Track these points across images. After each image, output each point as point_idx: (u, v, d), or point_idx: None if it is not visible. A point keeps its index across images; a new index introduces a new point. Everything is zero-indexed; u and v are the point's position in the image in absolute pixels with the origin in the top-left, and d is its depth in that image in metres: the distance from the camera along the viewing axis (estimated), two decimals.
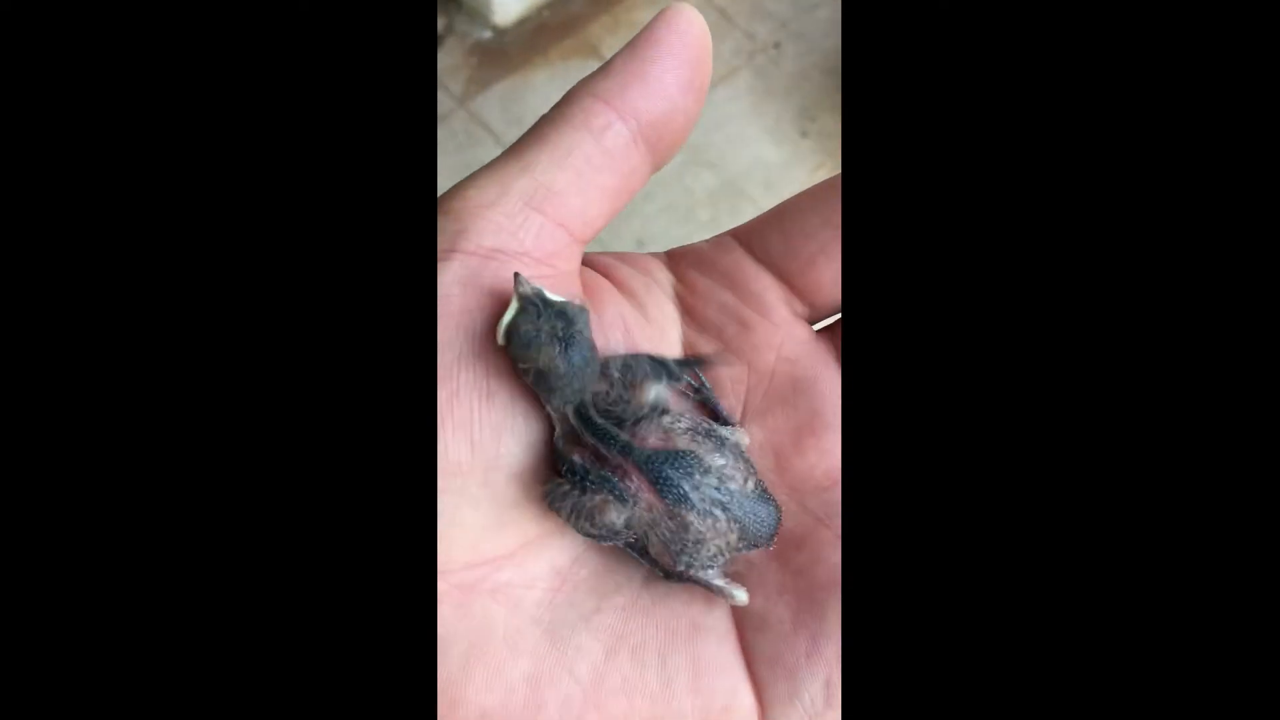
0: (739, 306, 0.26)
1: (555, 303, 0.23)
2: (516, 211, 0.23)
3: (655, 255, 0.27)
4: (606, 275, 0.26)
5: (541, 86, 1.23)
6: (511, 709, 0.22)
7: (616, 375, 0.24)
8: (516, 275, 0.22)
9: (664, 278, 0.26)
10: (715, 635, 0.24)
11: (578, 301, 0.23)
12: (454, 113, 1.23)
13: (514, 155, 0.24)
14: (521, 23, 1.28)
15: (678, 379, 0.24)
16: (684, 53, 0.23)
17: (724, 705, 0.23)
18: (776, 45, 1.28)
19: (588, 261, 0.26)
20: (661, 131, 0.24)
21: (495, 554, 0.23)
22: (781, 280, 0.26)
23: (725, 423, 0.25)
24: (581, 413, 0.23)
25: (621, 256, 0.27)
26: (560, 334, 0.22)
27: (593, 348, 0.23)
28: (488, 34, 1.27)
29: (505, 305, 0.23)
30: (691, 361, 0.25)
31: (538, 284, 0.22)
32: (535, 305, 0.22)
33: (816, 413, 0.25)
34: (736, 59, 1.26)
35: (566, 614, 0.23)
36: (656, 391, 0.24)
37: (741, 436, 0.25)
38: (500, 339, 0.22)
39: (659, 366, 0.24)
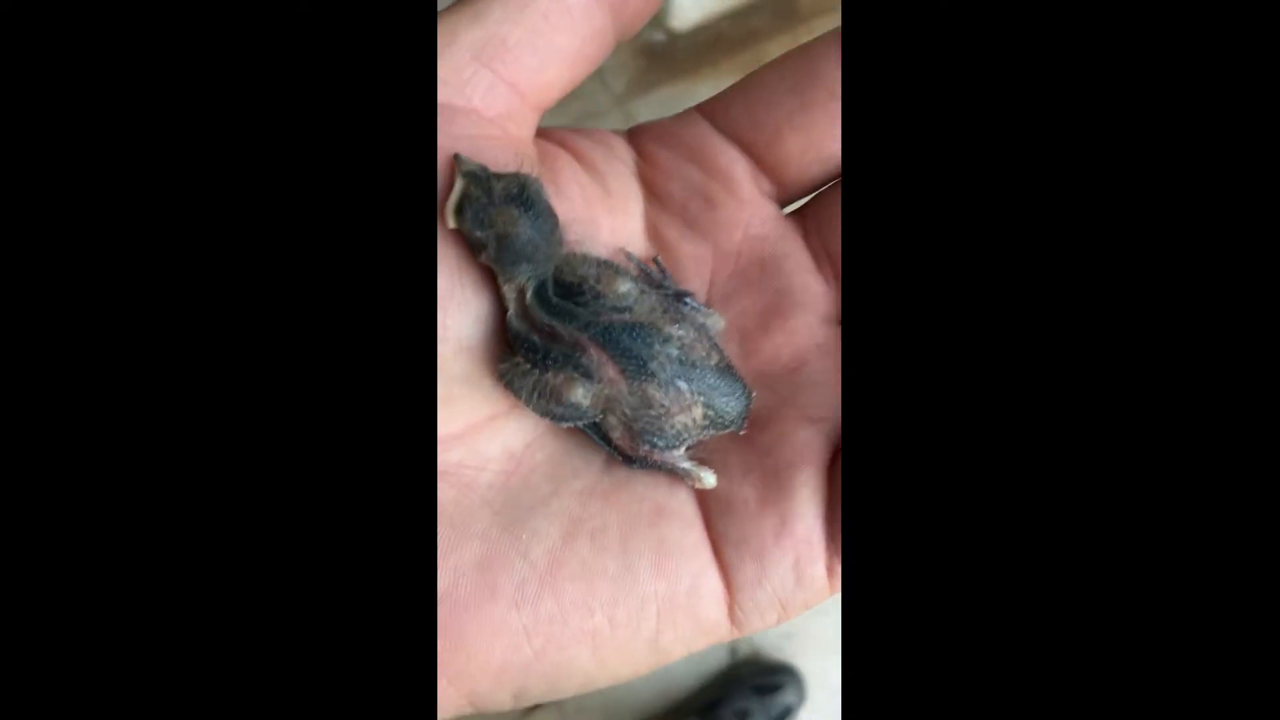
0: (705, 182, 0.24)
1: (504, 175, 0.21)
2: (464, 64, 0.22)
3: (616, 131, 0.25)
4: (564, 146, 0.24)
5: (705, 96, 1.21)
6: (460, 593, 0.21)
7: (593, 269, 0.22)
8: (457, 155, 0.21)
9: (625, 153, 0.25)
10: (680, 519, 0.22)
11: (528, 170, 0.22)
12: (609, 112, 1.22)
13: (465, 3, 0.22)
14: (697, 30, 1.27)
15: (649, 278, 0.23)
16: None
17: (689, 588, 0.21)
18: None
19: (542, 134, 0.24)
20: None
21: (443, 433, 0.22)
22: (748, 155, 0.24)
23: (696, 308, 0.23)
24: (540, 292, 0.22)
25: (580, 130, 0.25)
26: (516, 196, 0.21)
27: (553, 213, 0.22)
28: (660, 37, 1.27)
29: (448, 176, 0.21)
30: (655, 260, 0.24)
31: (478, 162, 0.21)
32: (482, 179, 0.21)
33: (784, 293, 0.23)
34: None
35: (521, 497, 0.22)
36: (628, 286, 0.22)
37: (715, 320, 0.23)
38: (450, 220, 0.21)
39: (627, 268, 0.23)
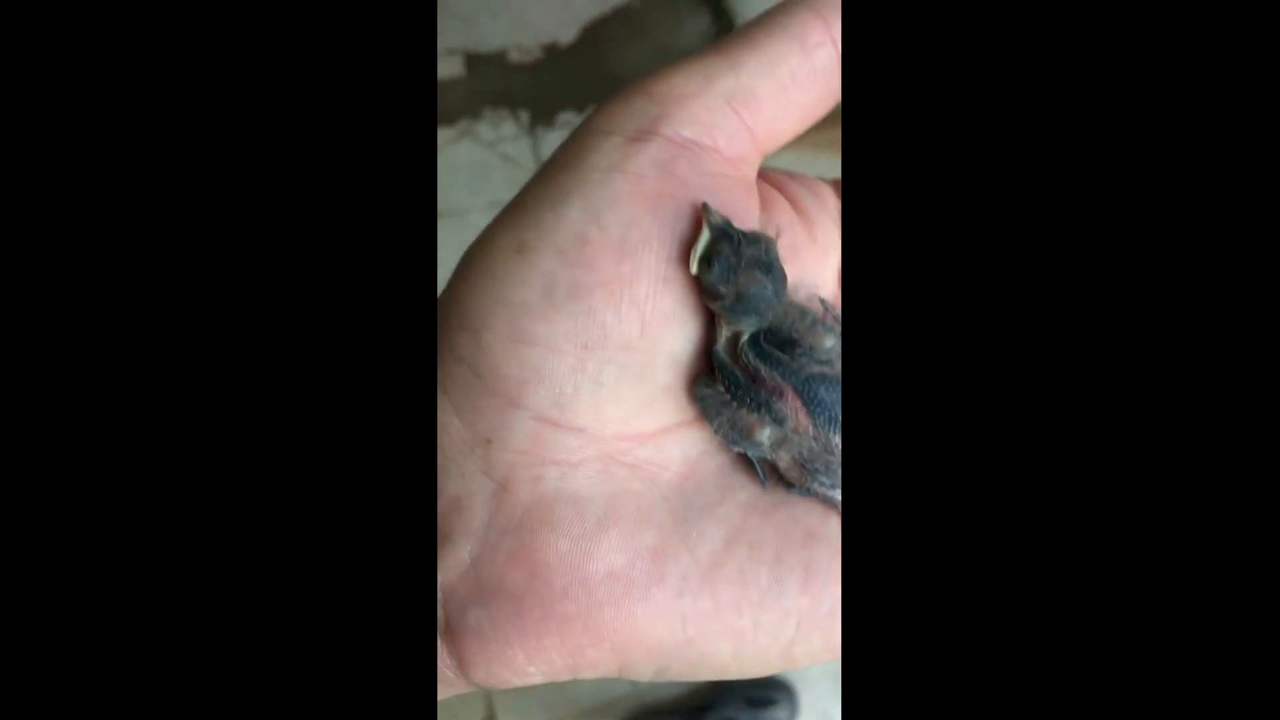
0: None
1: (749, 235, 0.23)
2: (717, 107, 0.23)
3: (828, 181, 0.27)
4: (778, 189, 0.26)
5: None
6: (635, 573, 0.23)
7: (807, 321, 0.24)
8: (705, 205, 0.23)
9: (833, 203, 0.26)
10: (829, 546, 0.24)
11: (770, 231, 0.24)
12: None
13: (721, 52, 0.24)
14: None
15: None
16: None
17: (829, 609, 0.23)
18: None
19: (762, 175, 0.26)
20: None
21: (641, 431, 0.24)
22: None
23: None
24: (755, 338, 0.24)
25: (794, 175, 0.27)
26: (761, 261, 0.23)
27: (785, 276, 0.24)
28: None
29: (688, 209, 0.23)
30: None
31: (724, 214, 0.23)
32: (729, 234, 0.23)
33: None
34: None
35: (693, 499, 0.24)
36: (834, 342, 0.24)
37: None
38: (694, 267, 0.23)
39: (835, 325, 0.25)
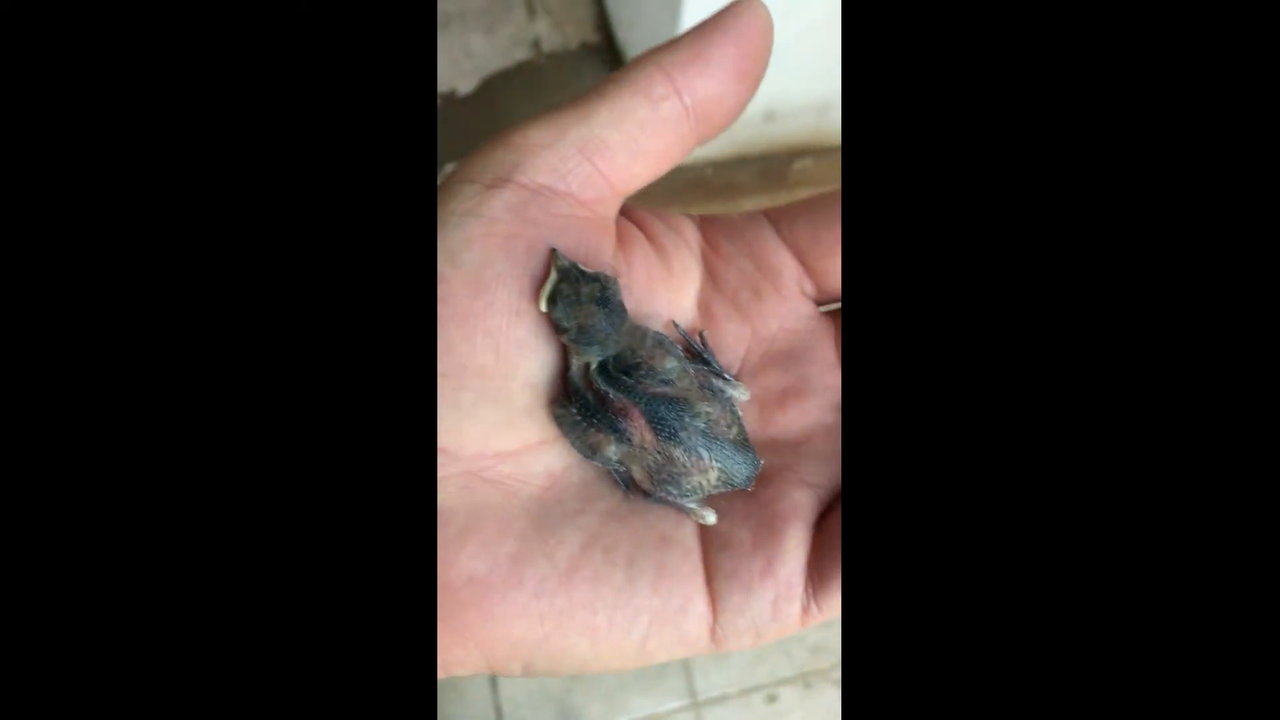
0: (756, 276, 0.28)
1: (589, 274, 0.26)
2: (570, 156, 0.26)
3: (689, 216, 0.29)
4: (640, 227, 0.29)
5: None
6: (495, 578, 0.25)
7: (649, 345, 0.27)
8: (553, 250, 0.26)
9: (693, 238, 0.29)
10: (681, 548, 0.26)
11: (608, 272, 0.26)
12: None
13: (575, 106, 0.26)
14: (681, 170, 1.27)
15: (691, 352, 0.28)
16: (746, 44, 0.26)
17: (679, 606, 0.25)
18: None
19: (625, 212, 0.29)
20: (711, 110, 0.26)
21: (500, 449, 0.26)
22: (800, 261, 0.28)
23: (727, 380, 0.28)
24: (603, 365, 0.27)
25: (657, 213, 0.29)
26: (598, 298, 0.26)
27: (624, 310, 0.27)
28: None
29: (543, 247, 0.26)
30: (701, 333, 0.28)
31: (570, 259, 0.26)
32: (573, 275, 0.26)
33: (804, 379, 0.28)
34: None
35: (553, 509, 0.26)
36: (674, 363, 0.27)
37: (741, 392, 0.28)
38: (543, 305, 0.26)
39: (676, 346, 0.28)
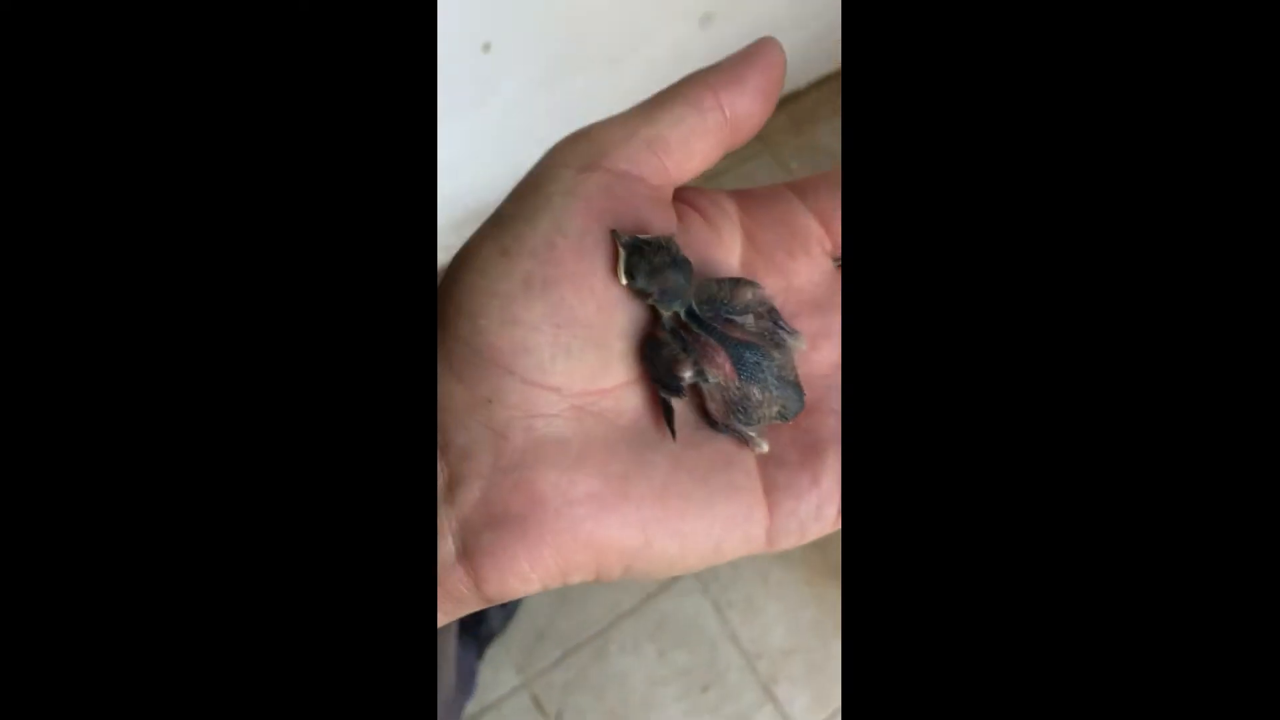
0: (789, 238, 0.34)
1: (651, 241, 0.30)
2: (641, 149, 0.32)
3: (728, 192, 0.35)
4: (690, 205, 0.34)
5: None
6: (608, 493, 0.30)
7: (722, 284, 0.32)
8: (612, 231, 0.30)
9: (732, 209, 0.35)
10: (743, 468, 0.32)
11: (667, 234, 0.31)
12: None
13: (642, 111, 0.32)
14: None
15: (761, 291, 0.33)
16: (769, 72, 0.32)
17: (745, 515, 0.31)
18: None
19: (676, 194, 0.34)
20: (742, 123, 0.33)
21: (601, 387, 0.31)
22: (821, 224, 0.34)
23: (789, 331, 0.33)
24: (691, 312, 0.32)
25: (701, 190, 0.35)
26: (669, 261, 0.30)
27: (689, 262, 0.31)
28: None
29: (627, 220, 0.31)
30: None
31: (639, 226, 0.31)
32: (639, 246, 0.30)
33: (829, 324, 0.34)
34: None
35: (645, 437, 0.31)
36: (754, 292, 0.32)
37: (800, 341, 0.33)
38: (622, 279, 0.30)
39: (750, 284, 0.32)
